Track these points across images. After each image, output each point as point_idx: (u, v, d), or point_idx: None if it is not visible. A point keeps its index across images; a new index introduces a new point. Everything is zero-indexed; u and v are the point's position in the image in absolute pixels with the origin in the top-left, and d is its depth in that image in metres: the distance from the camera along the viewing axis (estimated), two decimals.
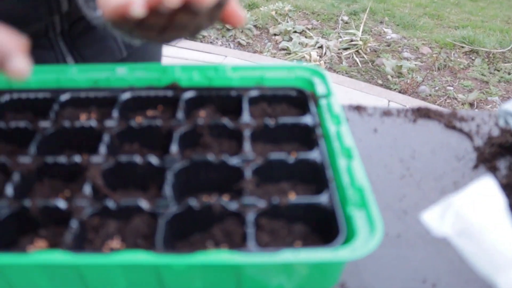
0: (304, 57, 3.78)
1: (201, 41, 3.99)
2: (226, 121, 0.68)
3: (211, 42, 4.02)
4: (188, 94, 0.73)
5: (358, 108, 0.89)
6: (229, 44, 3.97)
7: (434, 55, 3.95)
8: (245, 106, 0.71)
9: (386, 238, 0.65)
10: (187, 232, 0.57)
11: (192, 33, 0.67)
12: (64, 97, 0.74)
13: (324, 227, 0.56)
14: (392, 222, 0.68)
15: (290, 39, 4.01)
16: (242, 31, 4.08)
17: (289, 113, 0.73)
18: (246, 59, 3.72)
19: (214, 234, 0.55)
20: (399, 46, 4.09)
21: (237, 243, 0.53)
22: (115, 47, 1.01)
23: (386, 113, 0.88)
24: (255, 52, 3.89)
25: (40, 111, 0.75)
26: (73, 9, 0.89)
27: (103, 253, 0.50)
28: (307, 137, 0.68)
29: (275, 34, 4.12)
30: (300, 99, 0.74)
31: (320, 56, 3.83)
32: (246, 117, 0.69)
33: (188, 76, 0.75)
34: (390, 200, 0.71)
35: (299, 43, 3.94)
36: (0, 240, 0.55)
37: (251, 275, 0.50)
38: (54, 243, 0.56)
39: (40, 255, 0.48)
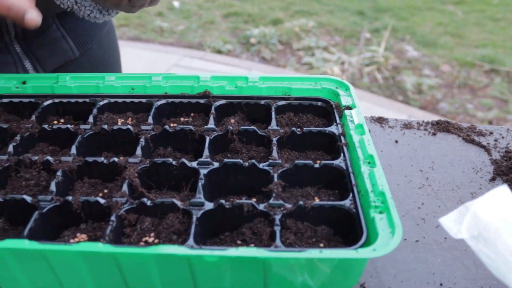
0: (326, 72, 3.82)
1: (227, 55, 4.06)
2: (255, 128, 0.72)
3: (236, 56, 4.08)
4: (219, 102, 0.77)
5: (380, 120, 0.92)
6: (253, 58, 4.03)
7: (454, 73, 3.96)
8: (273, 114, 0.75)
9: (405, 243, 0.68)
10: (217, 230, 0.61)
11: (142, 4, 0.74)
12: (103, 102, 0.79)
13: (347, 229, 0.60)
14: (411, 228, 0.71)
15: (313, 54, 4.05)
16: (266, 46, 4.14)
17: (314, 123, 0.77)
18: (270, 73, 3.77)
19: (243, 232, 0.59)
20: (420, 64, 4.11)
21: (265, 241, 0.57)
22: (67, 48, 1.06)
23: (407, 125, 0.91)
24: (278, 66, 3.94)
25: (80, 115, 0.80)
26: None
27: (139, 246, 0.54)
28: (332, 145, 0.72)
29: (298, 50, 4.17)
30: (325, 109, 0.78)
31: (342, 72, 3.87)
32: (274, 125, 0.73)
33: (219, 85, 0.79)
34: (409, 207, 0.74)
35: (321, 59, 3.98)
36: (44, 232, 0.60)
37: (277, 272, 0.53)
38: (94, 237, 0.60)
39: (83, 245, 0.52)
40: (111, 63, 1.18)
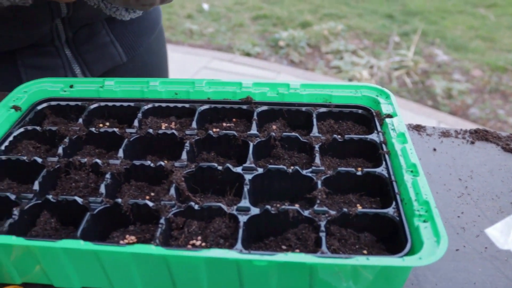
0: (355, 76, 3.81)
1: (256, 58, 4.08)
2: (297, 134, 0.73)
3: (265, 59, 4.10)
4: (261, 108, 0.79)
5: (418, 128, 0.93)
6: (282, 61, 4.04)
7: (485, 78, 3.91)
8: (314, 121, 0.76)
9: (446, 252, 0.69)
10: (262, 235, 0.63)
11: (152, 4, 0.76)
12: (147, 106, 0.81)
13: (389, 237, 0.61)
14: (451, 237, 0.71)
15: (342, 58, 4.05)
16: (295, 49, 4.15)
17: (354, 130, 0.78)
18: (299, 76, 3.78)
19: (288, 238, 0.60)
20: (450, 68, 4.07)
21: (310, 247, 0.58)
22: (115, 53, 1.09)
23: (445, 133, 0.92)
24: (307, 69, 3.95)
25: (124, 119, 0.82)
26: (75, 16, 0.97)
27: (190, 249, 0.56)
28: (372, 153, 0.72)
29: (327, 53, 4.17)
30: (365, 117, 0.78)
31: (371, 76, 3.86)
32: (315, 131, 0.74)
33: (261, 91, 0.80)
34: (448, 216, 0.75)
35: (350, 62, 3.97)
36: (94, 232, 0.62)
37: (323, 278, 0.54)
38: (143, 238, 0.62)
39: (136, 247, 0.54)
40: (158, 69, 1.20)
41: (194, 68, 3.80)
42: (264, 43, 4.38)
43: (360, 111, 0.79)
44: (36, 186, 0.67)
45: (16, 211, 0.63)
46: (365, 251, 0.60)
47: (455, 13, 5.02)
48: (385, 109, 0.77)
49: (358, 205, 0.66)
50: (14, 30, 0.91)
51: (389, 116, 0.75)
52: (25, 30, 0.93)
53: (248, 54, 4.19)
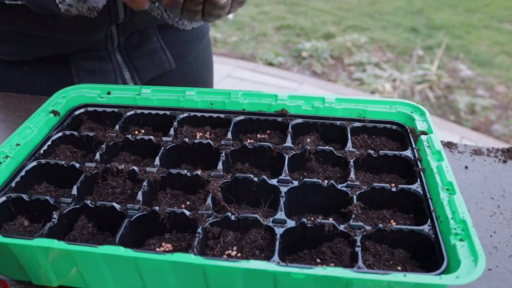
0: (377, 88, 3.81)
1: (278, 67, 4.10)
2: (332, 148, 0.74)
3: (287, 69, 4.11)
4: (296, 121, 0.79)
5: (449, 145, 0.93)
6: (304, 72, 4.05)
7: (509, 94, 3.87)
8: (349, 136, 0.77)
9: None
10: (296, 247, 0.63)
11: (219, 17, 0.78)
12: (183, 115, 0.82)
13: (424, 254, 0.61)
14: None
15: (364, 70, 4.04)
16: (318, 60, 4.16)
17: (388, 146, 0.78)
18: (321, 87, 3.78)
19: (323, 251, 0.61)
20: (474, 83, 4.05)
21: (345, 261, 0.59)
22: (165, 59, 1.11)
23: (477, 151, 0.91)
24: (329, 81, 3.95)
25: (159, 127, 0.84)
26: (130, 22, 0.99)
27: (228, 259, 0.57)
28: (407, 169, 0.73)
29: (349, 65, 4.17)
30: (399, 133, 0.79)
31: (393, 89, 3.85)
32: (350, 146, 0.75)
33: (296, 104, 0.81)
34: (481, 235, 0.74)
35: (373, 75, 3.97)
36: (131, 238, 0.63)
37: None
38: (179, 247, 0.63)
39: (176, 256, 0.54)
40: (204, 78, 1.22)
41: (217, 77, 3.82)
42: (287, 53, 4.40)
43: (394, 127, 0.79)
44: (74, 191, 0.69)
45: (55, 215, 0.65)
46: (399, 267, 0.60)
47: (480, 28, 4.99)
48: (420, 126, 0.77)
49: (392, 221, 0.66)
50: (73, 35, 0.94)
51: (424, 133, 0.75)
52: (83, 35, 0.96)
53: (271, 64, 4.20)
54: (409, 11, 5.37)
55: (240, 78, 3.82)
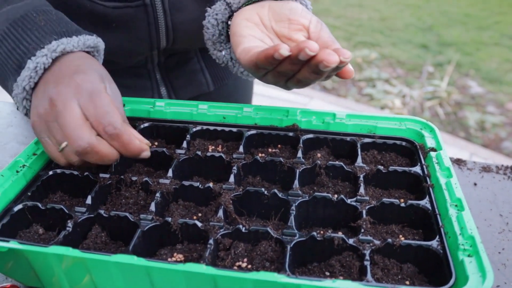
0: (386, 104, 3.81)
1: None
2: (342, 164, 0.75)
3: None
4: (307, 136, 0.81)
5: (458, 162, 0.94)
6: (314, 87, 4.07)
7: None
8: (359, 151, 0.78)
9: None
10: (305, 260, 0.64)
11: (308, 84, 0.73)
12: (195, 129, 0.84)
13: (432, 269, 0.61)
14: None
15: (374, 86, 4.06)
16: None
17: (398, 162, 0.79)
18: (331, 102, 3.80)
19: (332, 264, 0.62)
20: (484, 100, 4.05)
21: (354, 275, 0.59)
22: (203, 81, 1.11)
23: (486, 168, 0.92)
24: (339, 96, 3.97)
25: (172, 139, 0.85)
26: (170, 46, 1.00)
27: (238, 270, 0.58)
28: (415, 185, 0.74)
29: (359, 80, 4.19)
30: (409, 150, 0.80)
31: (403, 105, 3.86)
32: (360, 161, 0.76)
33: (307, 119, 0.83)
34: (489, 252, 0.75)
35: (383, 91, 3.98)
36: (143, 248, 0.64)
37: None
38: (190, 257, 0.64)
39: (188, 265, 0.56)
40: (242, 102, 1.22)
41: None
42: None
43: (404, 143, 0.80)
44: (88, 200, 0.70)
45: (70, 224, 0.66)
46: (407, 282, 0.61)
47: (491, 45, 5.00)
48: (429, 142, 0.78)
49: (400, 236, 0.67)
50: (115, 57, 0.96)
51: (434, 149, 0.76)
52: (125, 59, 0.98)
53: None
54: (420, 27, 5.39)
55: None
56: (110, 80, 0.73)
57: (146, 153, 0.70)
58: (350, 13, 5.80)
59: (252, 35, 0.74)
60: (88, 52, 0.76)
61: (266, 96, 3.76)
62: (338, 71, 0.70)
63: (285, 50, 0.63)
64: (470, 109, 3.92)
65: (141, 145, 0.69)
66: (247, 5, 0.79)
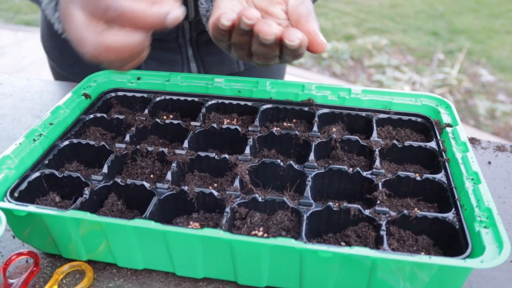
0: None
1: (298, 67, 4.11)
2: (357, 138, 0.75)
3: (307, 69, 4.12)
4: (322, 111, 0.81)
5: (473, 141, 0.93)
6: (324, 72, 4.06)
7: None
8: (374, 126, 0.78)
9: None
10: (321, 231, 0.64)
11: (280, 62, 0.71)
12: (211, 102, 0.84)
13: (447, 241, 0.62)
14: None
15: (384, 72, 4.04)
16: (338, 61, 4.16)
17: (412, 138, 0.79)
18: None
19: (348, 235, 0.62)
20: (495, 89, 4.02)
21: (370, 245, 0.60)
22: (234, 60, 1.10)
23: (500, 148, 0.92)
24: (348, 82, 3.95)
25: (187, 112, 0.85)
26: (200, 20, 0.99)
27: (255, 237, 0.58)
28: (431, 160, 0.74)
29: (369, 67, 4.17)
30: (424, 126, 0.80)
31: None
32: (375, 136, 0.76)
33: (323, 94, 0.82)
34: (504, 228, 0.75)
35: (392, 77, 3.96)
36: (159, 216, 0.65)
37: (381, 277, 0.56)
38: (206, 226, 0.65)
39: (205, 230, 0.56)
40: None
41: None
42: (307, 54, 4.40)
43: (419, 119, 0.80)
44: (105, 169, 0.71)
45: (87, 191, 0.67)
46: (422, 253, 0.61)
47: (503, 33, 4.95)
48: (445, 119, 0.78)
49: (416, 209, 0.67)
50: None
51: (449, 125, 0.76)
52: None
53: (290, 64, 4.21)
54: (431, 15, 5.34)
55: None
56: None
57: (174, 14, 0.59)
58: None
59: (229, 8, 0.71)
60: None
61: None
62: (298, 52, 0.66)
63: (224, 20, 0.62)
64: (481, 97, 3.90)
65: (158, 12, 0.58)
66: None
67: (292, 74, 3.92)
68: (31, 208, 0.60)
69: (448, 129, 0.75)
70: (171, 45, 1.05)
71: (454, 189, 0.65)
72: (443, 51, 4.54)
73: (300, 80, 3.81)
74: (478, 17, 5.31)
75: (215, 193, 0.65)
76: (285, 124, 0.81)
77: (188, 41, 1.05)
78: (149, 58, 1.04)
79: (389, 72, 4.05)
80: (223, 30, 0.64)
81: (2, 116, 1.03)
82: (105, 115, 0.83)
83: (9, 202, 0.63)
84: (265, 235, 0.62)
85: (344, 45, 4.42)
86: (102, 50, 0.58)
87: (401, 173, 0.68)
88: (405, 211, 0.62)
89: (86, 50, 0.59)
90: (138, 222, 0.57)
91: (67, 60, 1.14)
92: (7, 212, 0.60)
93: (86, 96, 0.85)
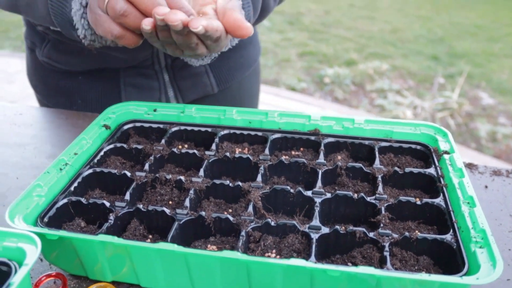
0: (398, 115, 3.86)
1: (301, 93, 4.19)
2: (361, 165, 0.81)
3: (310, 94, 4.20)
4: (327, 140, 0.86)
5: (470, 166, 0.99)
6: (326, 97, 4.14)
7: None
8: (377, 154, 0.83)
9: (497, 281, 0.74)
10: (329, 252, 0.69)
11: (208, 50, 0.80)
12: (223, 132, 0.90)
13: (447, 261, 0.67)
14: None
15: (386, 97, 4.11)
16: (340, 86, 4.24)
17: (413, 164, 0.84)
18: (343, 113, 3.86)
19: (354, 256, 0.67)
20: (495, 112, 4.09)
21: (375, 265, 0.65)
22: (208, 83, 1.18)
23: (496, 172, 0.97)
24: (351, 107, 4.03)
25: (201, 142, 0.91)
26: None
27: (270, 258, 0.63)
28: (430, 185, 0.79)
29: (371, 91, 4.25)
30: (423, 153, 0.85)
31: (414, 116, 3.90)
32: (378, 163, 0.81)
33: (328, 124, 0.88)
34: (499, 249, 0.80)
35: (394, 102, 4.03)
36: (179, 240, 0.70)
37: None
38: (223, 249, 0.70)
39: (224, 252, 0.61)
40: (247, 104, 1.28)
41: None
42: (309, 79, 4.49)
43: (418, 147, 0.86)
44: (127, 196, 0.76)
45: (112, 217, 0.72)
46: (423, 272, 0.66)
47: (502, 56, 5.04)
48: (443, 146, 0.84)
49: (416, 231, 0.72)
50: (120, 52, 1.02)
51: (447, 152, 0.82)
52: (129, 53, 1.04)
53: (293, 89, 4.29)
54: (430, 39, 5.44)
55: (264, 103, 3.91)
56: None
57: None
58: (361, 25, 5.87)
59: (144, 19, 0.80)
60: None
61: (278, 106, 3.83)
62: (213, 36, 0.75)
63: (144, 25, 0.73)
64: (482, 120, 3.96)
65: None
66: None
67: (295, 99, 3.99)
68: (63, 232, 0.66)
69: (446, 156, 0.81)
70: (148, 71, 1.12)
71: (451, 212, 0.71)
72: (443, 75, 4.62)
73: (303, 105, 3.89)
74: (477, 41, 5.40)
75: (231, 218, 0.71)
76: (293, 152, 0.87)
77: (163, 67, 1.12)
78: (128, 85, 1.11)
79: (391, 96, 4.12)
80: (149, 33, 0.75)
81: (24, 145, 1.09)
82: (124, 145, 0.89)
83: (41, 227, 0.69)
84: (278, 256, 0.67)
85: (345, 70, 4.51)
86: (120, 27, 0.75)
87: (403, 198, 0.74)
88: (407, 233, 0.67)
89: (110, 29, 0.75)
90: (162, 245, 0.63)
91: (52, 91, 1.22)
92: (40, 236, 0.66)
93: (106, 127, 0.91)
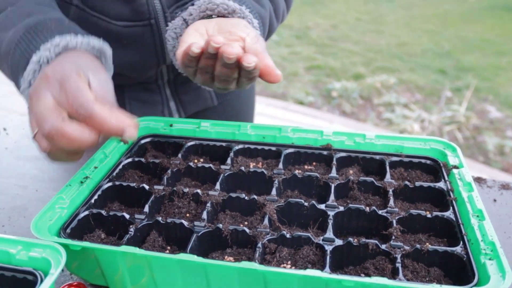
0: (405, 129, 3.89)
1: (309, 106, 4.22)
2: (373, 179, 0.83)
3: (318, 108, 4.24)
4: (339, 155, 0.89)
5: (479, 180, 1.01)
6: (334, 111, 4.17)
7: None
8: (387, 168, 0.86)
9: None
10: (343, 264, 0.72)
11: (237, 86, 0.82)
12: (238, 147, 0.93)
13: (457, 272, 0.69)
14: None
15: (393, 110, 4.14)
16: (347, 100, 4.27)
17: (423, 179, 0.87)
18: (351, 126, 3.88)
19: (367, 267, 0.69)
20: (503, 125, 4.10)
21: (387, 276, 0.67)
22: (208, 96, 1.22)
23: (505, 186, 0.99)
24: (358, 120, 4.06)
25: (216, 156, 0.94)
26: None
27: (286, 269, 0.66)
28: (440, 199, 0.81)
29: (378, 105, 4.27)
30: (433, 167, 0.88)
31: (422, 130, 3.93)
32: (389, 177, 0.84)
33: (340, 140, 0.91)
34: (509, 260, 0.82)
35: (401, 115, 4.06)
36: (197, 252, 0.72)
37: None
38: (240, 260, 0.72)
39: (242, 263, 0.64)
40: (244, 115, 1.33)
41: None
42: (317, 93, 4.52)
43: (428, 161, 0.88)
44: (146, 208, 0.79)
45: (132, 228, 0.75)
46: (434, 283, 0.68)
47: (509, 70, 5.06)
48: (452, 161, 0.86)
49: (427, 243, 0.74)
50: (127, 71, 1.06)
51: (456, 167, 0.84)
52: (135, 73, 1.08)
53: (301, 103, 4.33)
54: (438, 53, 5.47)
55: (272, 116, 3.95)
56: (96, 71, 0.73)
57: (129, 133, 0.68)
58: (368, 39, 5.92)
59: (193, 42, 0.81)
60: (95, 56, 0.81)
61: (286, 120, 3.86)
62: (252, 75, 0.77)
63: (195, 48, 0.74)
64: (489, 133, 3.97)
65: (118, 124, 0.67)
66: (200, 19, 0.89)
67: (303, 113, 4.02)
68: (86, 243, 0.68)
69: (455, 171, 0.83)
70: (152, 86, 1.16)
71: (461, 225, 0.73)
72: (450, 88, 4.64)
73: (310, 118, 3.91)
74: (484, 55, 5.42)
75: (247, 230, 0.73)
76: (306, 167, 0.90)
77: (166, 82, 1.16)
78: (132, 99, 1.15)
79: (398, 110, 4.14)
80: (193, 57, 0.76)
81: (42, 158, 1.12)
82: (142, 159, 0.91)
83: (64, 238, 0.72)
84: (293, 267, 0.69)
85: (353, 84, 4.54)
86: (59, 134, 0.65)
87: (413, 211, 0.76)
88: (418, 246, 0.69)
89: (43, 127, 0.66)
90: (183, 256, 0.65)
91: None
92: (64, 246, 0.68)
93: (124, 141, 0.94)
